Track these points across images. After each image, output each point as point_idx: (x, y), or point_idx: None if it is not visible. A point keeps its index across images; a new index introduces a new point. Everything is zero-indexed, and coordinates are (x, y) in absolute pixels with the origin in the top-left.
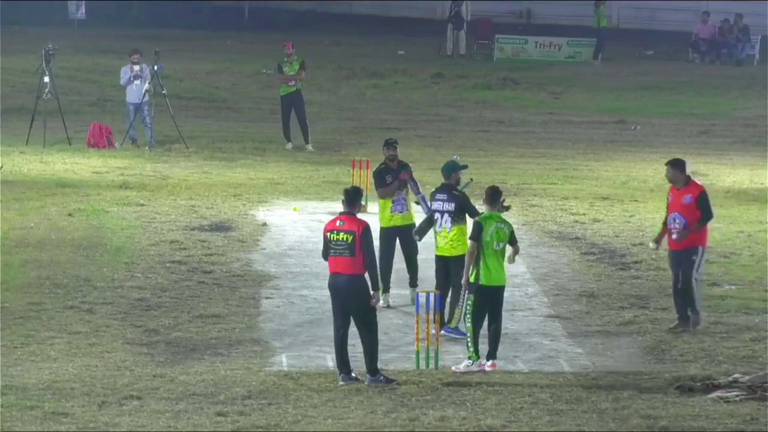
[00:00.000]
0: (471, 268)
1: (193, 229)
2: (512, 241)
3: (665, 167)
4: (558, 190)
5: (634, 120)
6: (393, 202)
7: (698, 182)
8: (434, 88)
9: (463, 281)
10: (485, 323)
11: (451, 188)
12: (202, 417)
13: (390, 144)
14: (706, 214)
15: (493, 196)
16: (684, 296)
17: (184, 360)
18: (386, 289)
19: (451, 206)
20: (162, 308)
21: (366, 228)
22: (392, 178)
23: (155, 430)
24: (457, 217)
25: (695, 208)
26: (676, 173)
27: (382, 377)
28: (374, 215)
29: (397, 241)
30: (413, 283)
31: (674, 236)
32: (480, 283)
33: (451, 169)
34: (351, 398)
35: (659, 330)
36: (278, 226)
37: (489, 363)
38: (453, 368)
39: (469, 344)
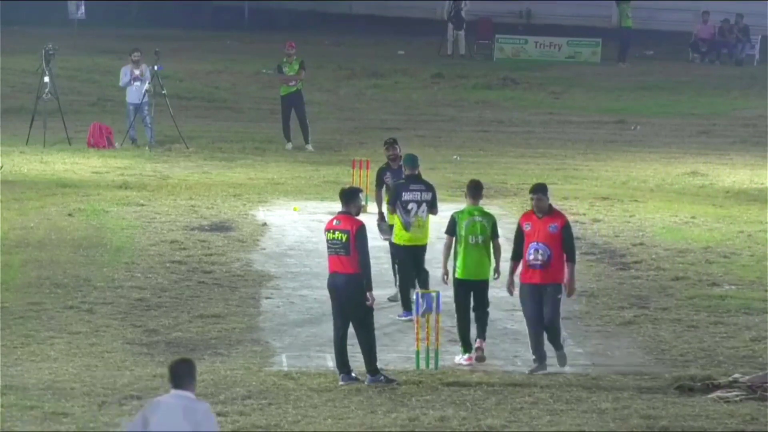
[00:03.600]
0: (447, 261)
1: (193, 229)
2: (494, 234)
3: (532, 196)
4: (558, 190)
5: (634, 120)
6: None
7: (559, 209)
8: (434, 88)
9: (441, 274)
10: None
11: (421, 178)
12: None
13: (388, 144)
14: (572, 252)
15: (475, 189)
16: (548, 335)
17: None
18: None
19: (428, 196)
20: (162, 308)
21: (360, 227)
22: (392, 178)
23: None
24: (432, 206)
25: (560, 238)
26: (540, 201)
27: (382, 377)
28: (375, 215)
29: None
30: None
31: (534, 266)
32: (456, 276)
33: (417, 160)
34: (351, 398)
35: (659, 330)
36: (278, 226)
37: (477, 340)
38: (455, 359)
39: (459, 338)
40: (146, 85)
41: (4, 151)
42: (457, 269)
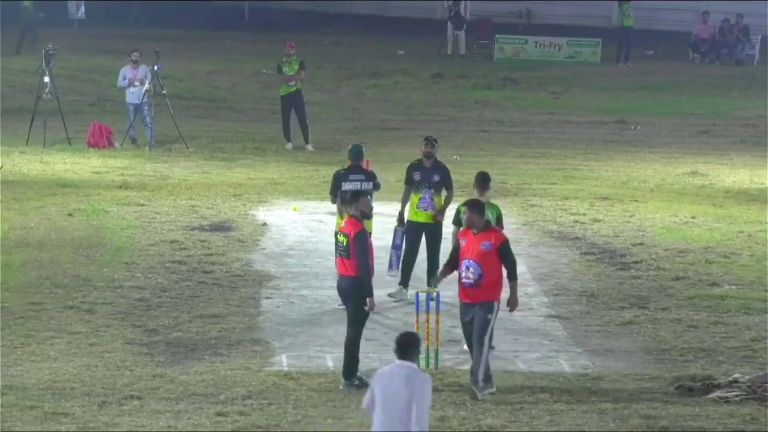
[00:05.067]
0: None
1: (193, 229)
2: (498, 226)
3: (463, 208)
4: (558, 190)
5: (634, 120)
6: (420, 199)
7: (498, 229)
8: (434, 88)
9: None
10: None
11: (362, 168)
12: (202, 417)
13: (428, 141)
14: (512, 270)
15: (482, 181)
16: (472, 357)
17: (184, 360)
18: (405, 284)
19: (369, 185)
20: (162, 308)
21: (359, 232)
22: (420, 176)
23: (155, 430)
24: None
25: (494, 256)
26: (473, 217)
27: (357, 381)
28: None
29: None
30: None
31: (465, 284)
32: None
33: (362, 152)
34: (351, 398)
35: (659, 330)
36: (278, 226)
37: None
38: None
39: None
40: (146, 86)
41: (4, 151)
42: None
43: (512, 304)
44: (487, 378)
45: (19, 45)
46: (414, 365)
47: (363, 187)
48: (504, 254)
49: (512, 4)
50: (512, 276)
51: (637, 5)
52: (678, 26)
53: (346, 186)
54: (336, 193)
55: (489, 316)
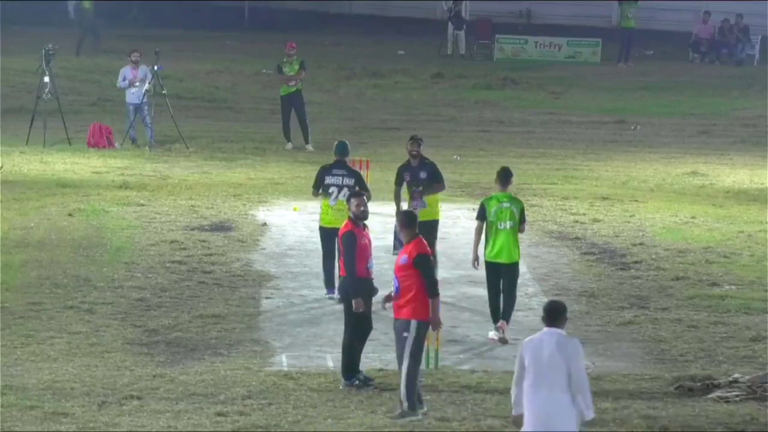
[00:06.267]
0: (477, 246)
1: (193, 229)
2: (521, 219)
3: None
4: (558, 190)
5: (634, 120)
6: (413, 199)
7: (424, 242)
8: (434, 88)
9: (471, 259)
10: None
11: (346, 164)
12: (202, 417)
13: (414, 140)
14: (430, 287)
15: (504, 176)
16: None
17: (184, 360)
18: None
19: (351, 181)
20: (162, 308)
21: (345, 233)
22: (409, 176)
23: (155, 430)
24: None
25: (412, 270)
26: (398, 226)
27: (356, 381)
28: (374, 214)
29: None
30: None
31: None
32: (485, 259)
33: (346, 148)
34: (351, 398)
35: (659, 330)
36: (278, 226)
37: (500, 321)
38: (489, 335)
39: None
40: (146, 86)
41: (4, 151)
42: (486, 252)
43: (432, 322)
44: (410, 397)
45: (79, 46)
46: (563, 331)
47: (345, 182)
48: (419, 267)
49: (512, 4)
50: (431, 292)
51: (638, 5)
52: (678, 26)
53: (329, 180)
54: (318, 187)
55: (405, 334)
